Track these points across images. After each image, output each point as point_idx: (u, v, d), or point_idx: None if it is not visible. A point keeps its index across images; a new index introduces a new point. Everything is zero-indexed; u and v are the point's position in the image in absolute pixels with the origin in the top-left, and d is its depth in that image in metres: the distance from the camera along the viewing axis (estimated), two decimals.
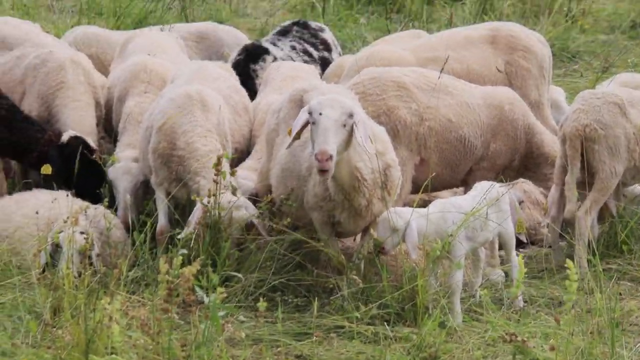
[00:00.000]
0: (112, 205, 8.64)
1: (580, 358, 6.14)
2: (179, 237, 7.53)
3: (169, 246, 7.76)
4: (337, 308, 7.31)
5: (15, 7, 14.89)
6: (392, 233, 7.24)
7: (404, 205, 8.55)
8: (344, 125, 7.02)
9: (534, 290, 7.92)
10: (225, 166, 7.77)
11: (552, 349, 5.88)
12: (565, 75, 14.08)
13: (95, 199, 8.22)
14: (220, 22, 14.11)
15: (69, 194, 8.11)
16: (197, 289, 6.21)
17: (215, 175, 7.49)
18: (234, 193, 7.65)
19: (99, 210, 7.96)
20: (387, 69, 8.72)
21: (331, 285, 7.56)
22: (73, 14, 14.56)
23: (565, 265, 6.02)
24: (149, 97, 9.20)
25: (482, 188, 7.65)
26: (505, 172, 8.89)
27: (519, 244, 8.98)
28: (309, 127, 7.16)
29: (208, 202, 7.53)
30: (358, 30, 14.77)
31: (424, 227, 7.26)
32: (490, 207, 7.46)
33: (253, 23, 15.23)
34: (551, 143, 8.91)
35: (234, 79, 9.58)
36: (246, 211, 7.70)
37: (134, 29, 12.43)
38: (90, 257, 7.39)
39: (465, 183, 8.89)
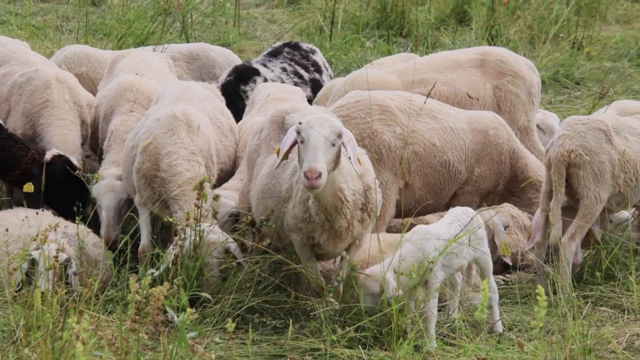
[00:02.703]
0: (96, 223, 8.69)
1: None
2: (157, 268, 7.49)
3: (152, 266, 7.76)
4: (314, 330, 7.30)
5: (23, 27, 14.98)
6: (372, 297, 7.25)
7: (387, 229, 8.62)
8: (333, 145, 7.04)
9: (516, 316, 7.89)
10: (208, 190, 7.79)
11: None
12: (567, 102, 14.07)
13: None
14: (227, 45, 14.20)
15: (39, 212, 8.12)
16: (168, 309, 6.23)
17: (197, 199, 7.50)
18: (214, 217, 7.65)
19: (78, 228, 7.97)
20: (371, 92, 8.72)
21: (309, 308, 7.55)
22: (80, 35, 14.62)
23: (537, 291, 5.97)
24: (135, 115, 9.23)
25: (456, 213, 7.64)
26: (490, 197, 8.89)
27: (505, 268, 8.98)
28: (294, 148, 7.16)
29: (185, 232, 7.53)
30: (364, 54, 14.82)
31: (404, 254, 7.27)
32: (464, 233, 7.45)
33: (261, 45, 15.27)
34: (535, 168, 8.90)
35: (220, 100, 9.59)
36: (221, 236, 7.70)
37: None
38: (67, 276, 7.43)
39: (450, 207, 8.88)
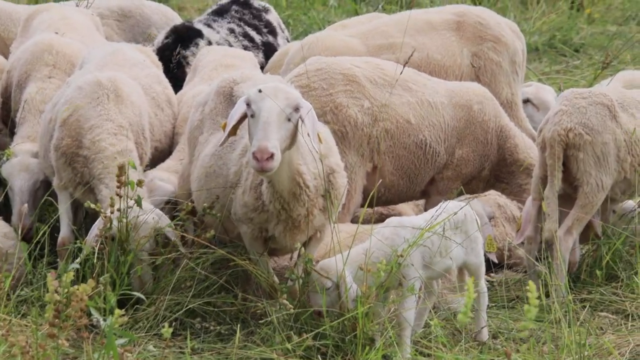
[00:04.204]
0: (7, 209, 8.65)
1: None
2: (78, 259, 7.49)
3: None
4: (266, 338, 7.33)
5: None
6: (327, 292, 7.26)
7: (352, 219, 8.64)
8: (289, 120, 7.04)
9: (502, 322, 7.94)
10: (134, 174, 7.77)
11: None
12: (565, 72, 14.14)
13: None
14: (165, 1, 14.18)
15: None
16: (92, 311, 6.22)
17: (118, 187, 7.49)
18: (138, 204, 7.61)
19: None
20: (336, 59, 8.74)
21: (260, 311, 7.58)
22: None
23: (528, 288, 5.99)
24: (54, 82, 9.21)
25: (444, 207, 7.58)
26: (474, 183, 8.95)
27: (491, 266, 9.02)
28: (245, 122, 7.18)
29: (112, 212, 7.51)
30: (327, 13, 14.82)
31: (372, 247, 7.27)
32: (452, 230, 7.43)
33: (204, 2, 15.24)
34: (527, 149, 8.97)
35: (156, 66, 9.58)
36: (158, 219, 7.70)
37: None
38: None
39: (426, 195, 8.94)
